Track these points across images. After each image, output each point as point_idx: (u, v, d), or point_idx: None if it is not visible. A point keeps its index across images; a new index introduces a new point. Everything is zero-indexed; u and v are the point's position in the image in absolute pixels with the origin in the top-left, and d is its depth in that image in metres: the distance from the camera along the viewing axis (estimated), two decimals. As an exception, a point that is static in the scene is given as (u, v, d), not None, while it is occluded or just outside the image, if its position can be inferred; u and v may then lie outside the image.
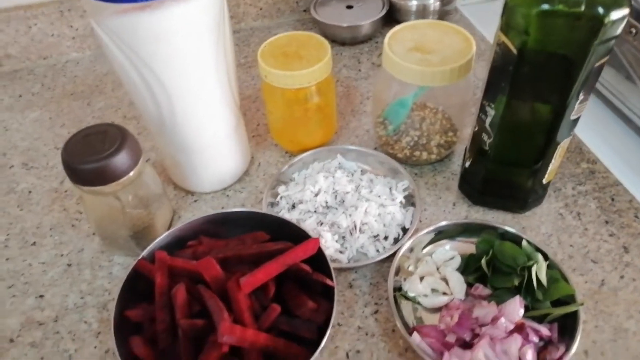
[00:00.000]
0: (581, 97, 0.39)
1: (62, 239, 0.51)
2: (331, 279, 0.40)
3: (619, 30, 0.34)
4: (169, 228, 0.52)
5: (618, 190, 0.51)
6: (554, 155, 0.44)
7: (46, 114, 0.67)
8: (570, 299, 0.40)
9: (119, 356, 0.36)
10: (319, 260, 0.41)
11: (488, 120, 0.43)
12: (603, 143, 0.57)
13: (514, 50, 0.37)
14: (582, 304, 0.39)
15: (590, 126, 0.59)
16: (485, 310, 0.39)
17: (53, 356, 0.43)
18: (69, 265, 0.49)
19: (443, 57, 0.47)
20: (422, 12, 0.73)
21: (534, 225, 0.49)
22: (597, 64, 0.36)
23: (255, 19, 0.79)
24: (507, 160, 0.45)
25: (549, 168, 0.45)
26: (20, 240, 0.52)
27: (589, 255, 0.46)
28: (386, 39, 0.49)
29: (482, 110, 0.43)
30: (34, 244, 0.51)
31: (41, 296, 0.47)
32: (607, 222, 0.49)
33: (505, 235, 0.45)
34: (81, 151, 0.42)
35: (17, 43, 0.72)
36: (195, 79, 0.44)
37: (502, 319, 0.38)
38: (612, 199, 0.51)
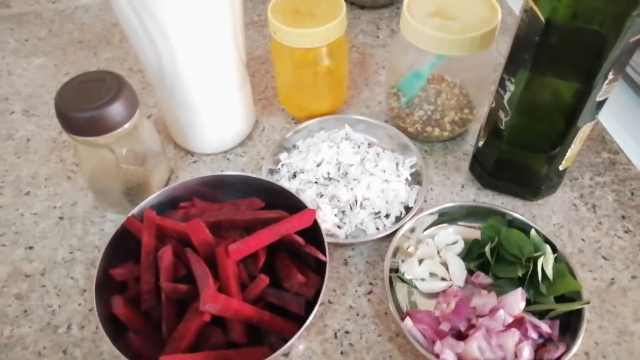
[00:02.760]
0: (610, 76, 0.35)
1: (57, 191, 0.50)
2: (324, 253, 0.38)
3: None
4: (165, 187, 0.50)
5: (639, 185, 0.48)
6: (574, 140, 0.40)
7: (51, 60, 0.65)
8: (575, 296, 0.38)
9: (97, 315, 0.35)
10: (314, 233, 0.39)
11: (507, 97, 0.40)
12: (627, 133, 0.54)
13: (542, 19, 0.34)
14: (588, 302, 0.36)
15: (615, 114, 0.55)
16: (484, 300, 0.37)
17: (37, 309, 0.42)
18: (61, 218, 0.48)
19: (465, 25, 0.43)
20: (449, -20, 0.68)
21: (545, 215, 0.46)
22: (633, 39, 0.33)
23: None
24: (523, 141, 0.42)
25: (568, 154, 0.42)
26: (14, 188, 0.50)
27: (600, 251, 0.44)
28: (406, 1, 0.46)
29: (502, 85, 0.40)
30: (27, 193, 0.50)
31: (30, 247, 0.46)
32: (623, 217, 0.46)
33: (513, 223, 0.42)
34: (76, 99, 0.40)
35: (26, -15, 0.70)
36: (199, 29, 0.41)
37: (501, 311, 0.36)
38: (632, 193, 0.47)
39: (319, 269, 0.38)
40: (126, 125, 0.41)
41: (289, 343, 0.33)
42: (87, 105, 0.39)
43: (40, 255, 0.45)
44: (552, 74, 0.36)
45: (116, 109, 0.40)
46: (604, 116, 0.53)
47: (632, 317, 0.40)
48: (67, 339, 0.40)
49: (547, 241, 0.40)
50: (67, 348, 0.40)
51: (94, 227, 0.47)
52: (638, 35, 0.33)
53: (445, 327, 0.37)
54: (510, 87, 0.39)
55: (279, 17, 0.47)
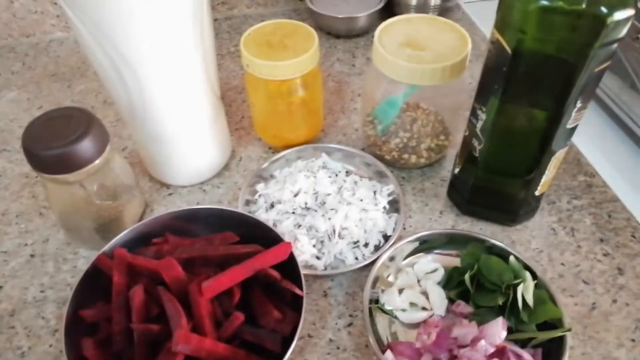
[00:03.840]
0: (579, 104, 0.36)
1: (28, 228, 0.49)
2: (301, 287, 0.37)
3: (623, 32, 0.32)
4: (139, 222, 0.49)
5: (616, 207, 0.48)
6: (549, 166, 0.41)
7: (24, 94, 0.64)
8: (557, 323, 0.37)
9: (67, 358, 0.33)
10: (291, 265, 0.38)
11: (479, 125, 0.40)
12: (603, 156, 0.54)
13: (509, 50, 0.34)
14: (569, 330, 0.36)
15: (590, 137, 0.56)
16: (465, 330, 0.36)
17: (4, 352, 0.40)
18: (32, 255, 0.46)
19: (435, 55, 0.44)
20: (422, 7, 0.70)
21: (524, 240, 0.46)
22: (598, 69, 0.33)
23: (249, 6, 0.76)
24: (498, 168, 0.43)
25: (543, 179, 0.42)
26: (-17, 226, 0.49)
27: (580, 275, 0.43)
28: (377, 32, 0.46)
29: (474, 113, 0.41)
30: (-3, 231, 0.49)
31: (0, 287, 0.44)
32: (602, 240, 0.46)
33: (492, 249, 0.42)
34: (43, 136, 0.39)
35: (-1, 19, 0.69)
36: (167, 63, 0.41)
37: (483, 341, 0.35)
38: (609, 216, 0.48)
39: (296, 303, 0.37)
40: (96, 162, 0.40)
41: (265, 383, 0.32)
42: (55, 142, 0.39)
43: (9, 295, 0.44)
44: (521, 103, 0.37)
45: (85, 146, 0.39)
46: (578, 139, 0.54)
47: (615, 343, 0.39)
48: (37, 384, 0.39)
49: (527, 267, 0.40)
50: (37, 393, 0.38)
51: (67, 264, 0.46)
52: (602, 65, 0.33)
53: (426, 359, 0.36)
54: (482, 115, 0.39)
55: (252, 50, 0.47)
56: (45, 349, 0.40)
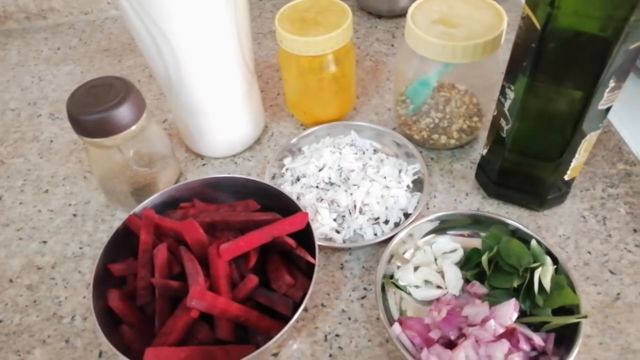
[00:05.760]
0: (612, 84, 0.34)
1: (73, 190, 0.52)
2: (314, 256, 0.38)
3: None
4: (170, 188, 0.51)
5: (655, 198, 0.46)
6: (579, 149, 0.39)
7: (78, 68, 0.68)
8: (575, 309, 0.36)
9: (92, 307, 0.36)
10: (307, 236, 0.39)
11: (507, 104, 0.39)
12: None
13: (538, 25, 0.33)
14: (585, 317, 0.35)
15: (635, 124, 0.53)
16: (476, 310, 0.36)
17: (45, 300, 0.44)
18: (75, 215, 0.50)
19: (469, 32, 0.43)
20: (468, -11, 0.68)
21: (551, 226, 0.45)
22: (633, 46, 0.32)
23: (294, -13, 0.77)
24: (526, 150, 0.41)
25: (573, 163, 0.40)
26: (35, 187, 0.53)
27: (607, 265, 0.42)
28: (411, 9, 0.46)
29: (502, 92, 0.40)
30: (46, 191, 0.52)
31: (44, 242, 0.48)
32: (635, 230, 0.44)
33: (516, 233, 0.41)
34: (85, 102, 0.42)
35: (61, -4, 0.74)
36: (200, 37, 0.42)
37: (492, 321, 0.35)
38: (647, 206, 0.45)
39: (311, 272, 0.38)
40: (133, 128, 0.43)
41: (272, 341, 0.33)
42: (95, 108, 0.41)
43: (52, 249, 0.47)
44: (550, 81, 0.36)
45: (123, 112, 0.42)
46: (621, 126, 0.52)
47: (637, 335, 0.38)
48: (70, 329, 0.42)
49: (549, 252, 0.39)
50: (70, 338, 0.41)
51: (104, 224, 0.49)
52: (638, 42, 0.32)
53: (434, 335, 0.36)
54: (510, 94, 0.38)
55: (286, 26, 0.47)
56: (80, 300, 0.43)
